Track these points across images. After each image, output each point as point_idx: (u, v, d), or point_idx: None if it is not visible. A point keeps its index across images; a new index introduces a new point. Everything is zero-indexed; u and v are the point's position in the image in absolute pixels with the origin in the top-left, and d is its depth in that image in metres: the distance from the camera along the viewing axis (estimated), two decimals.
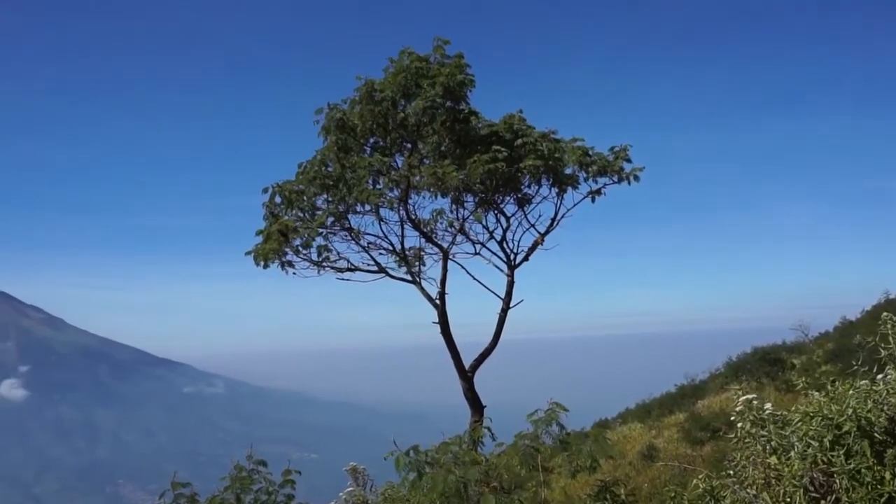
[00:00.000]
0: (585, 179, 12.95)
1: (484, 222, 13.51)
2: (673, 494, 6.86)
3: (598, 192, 13.01)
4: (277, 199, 12.78)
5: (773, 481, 5.70)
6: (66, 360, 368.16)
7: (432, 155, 12.98)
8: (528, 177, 12.73)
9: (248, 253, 12.62)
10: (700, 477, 6.37)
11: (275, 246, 12.32)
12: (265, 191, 12.78)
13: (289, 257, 12.68)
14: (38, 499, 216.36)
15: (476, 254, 13.82)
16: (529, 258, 13.64)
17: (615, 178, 12.81)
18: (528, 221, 13.54)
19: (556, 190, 13.15)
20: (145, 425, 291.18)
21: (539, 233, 13.49)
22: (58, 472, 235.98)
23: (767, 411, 6.09)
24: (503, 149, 12.00)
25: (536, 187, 13.21)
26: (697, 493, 6.40)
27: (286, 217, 12.75)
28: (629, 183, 12.78)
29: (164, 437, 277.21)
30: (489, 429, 9.42)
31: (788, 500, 5.56)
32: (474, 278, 13.63)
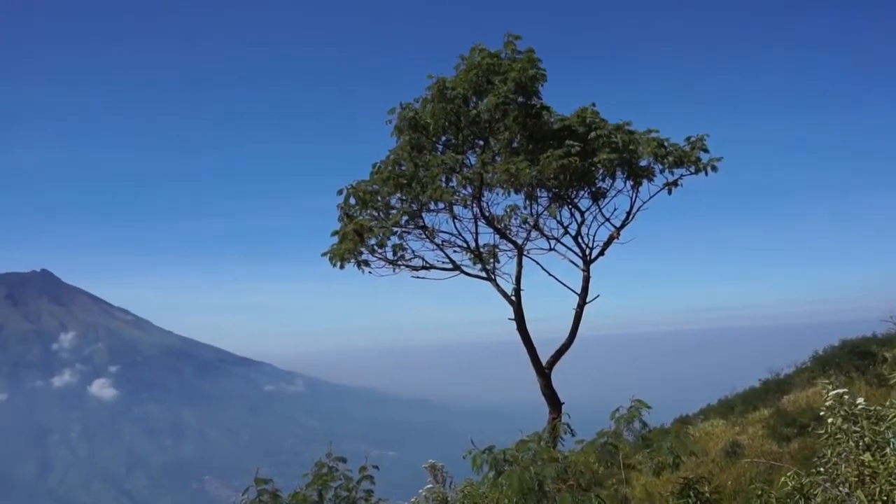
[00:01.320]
0: (661, 171, 12.69)
1: (558, 217, 13.36)
2: (760, 492, 6.70)
3: (675, 183, 12.72)
4: (352, 200, 12.90)
5: (868, 479, 5.52)
6: (152, 360, 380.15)
7: (505, 151, 12.92)
8: (602, 170, 12.56)
9: (324, 254, 12.78)
10: (788, 474, 6.19)
11: (350, 246, 12.43)
12: (340, 192, 12.92)
13: (364, 257, 12.79)
14: (129, 494, 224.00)
15: (551, 249, 13.70)
16: (605, 253, 13.45)
17: (692, 169, 12.52)
18: (603, 215, 13.36)
19: (632, 183, 12.94)
20: (228, 423, 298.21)
21: (614, 227, 13.30)
22: (147, 469, 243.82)
23: (860, 406, 5.88)
24: (576, 143, 11.86)
25: (611, 181, 13.02)
26: (786, 491, 6.22)
27: (361, 217, 12.86)
28: (706, 174, 12.48)
29: (246, 435, 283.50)
30: (568, 425, 9.33)
31: (885, 498, 5.37)
32: (549, 274, 13.52)
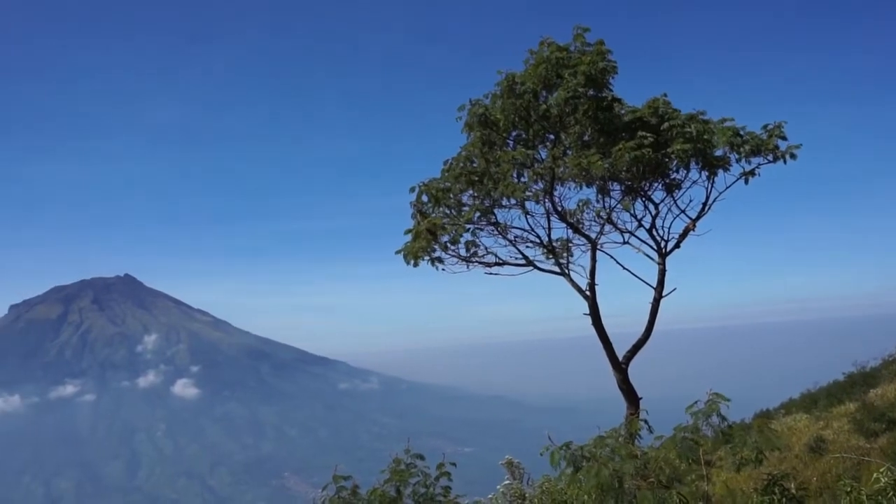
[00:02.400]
0: (737, 160, 12.38)
1: (632, 210, 13.18)
2: (849, 489, 6.50)
3: (752, 172, 12.40)
4: (424, 198, 12.96)
5: None
6: (231, 360, 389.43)
7: (576, 145, 12.80)
8: (676, 161, 12.30)
9: (398, 252, 12.89)
10: (881, 470, 6.00)
11: (423, 244, 12.51)
12: (412, 190, 13.00)
13: (437, 254, 12.84)
14: (213, 490, 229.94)
15: (625, 243, 13.52)
16: (681, 245, 13.20)
17: (770, 158, 12.19)
18: (678, 207, 13.10)
19: (707, 173, 12.65)
20: (306, 421, 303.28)
21: (690, 218, 13.04)
22: (229, 465, 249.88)
23: None
24: (649, 134, 11.69)
25: (685, 172, 12.75)
26: (878, 488, 6.02)
27: (433, 215, 12.92)
28: (784, 162, 12.14)
29: (323, 432, 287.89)
30: (646, 421, 9.22)
31: None
32: (624, 268, 13.34)
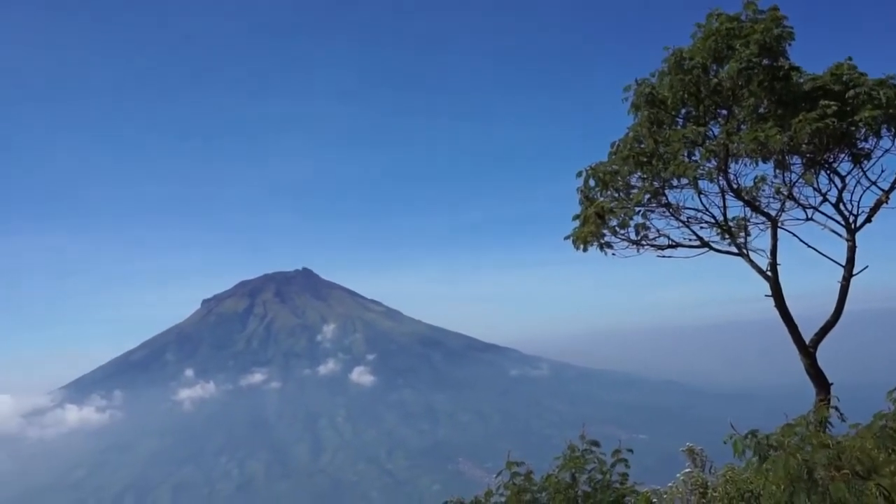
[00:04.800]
0: None
1: (815, 184, 12.40)
2: None
3: None
4: (591, 182, 12.79)
5: None
6: (405, 348, 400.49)
7: (750, 119, 12.19)
8: (864, 130, 11.46)
9: (566, 238, 12.80)
10: None
11: (592, 228, 12.36)
12: (579, 175, 12.85)
13: (607, 238, 12.66)
14: (391, 473, 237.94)
15: (808, 219, 12.75)
16: (872, 219, 12.31)
17: None
18: (868, 179, 12.18)
19: None
20: (478, 407, 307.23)
21: (882, 190, 12.12)
22: (406, 450, 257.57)
23: None
24: (832, 103, 10.96)
25: (875, 140, 11.85)
26: None
27: (601, 199, 12.73)
28: None
29: (496, 419, 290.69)
30: (837, 408, 8.71)
31: None
32: (809, 246, 12.60)
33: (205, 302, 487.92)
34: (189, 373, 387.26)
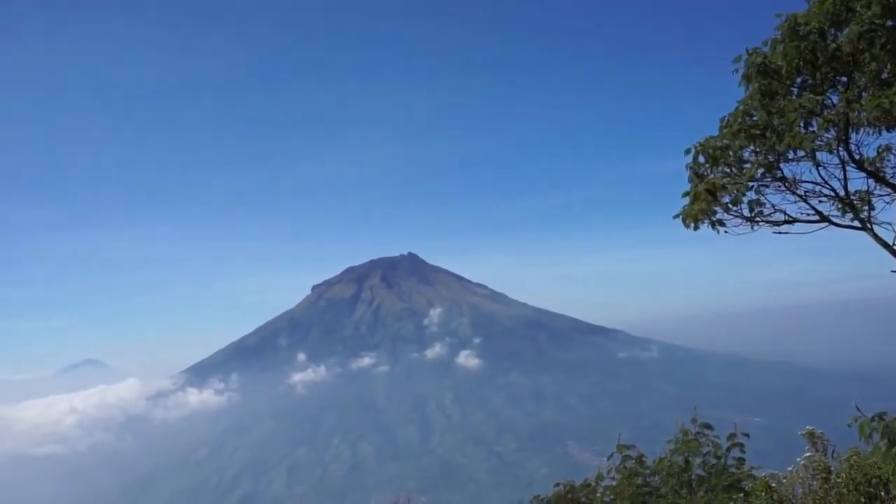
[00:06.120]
0: None
1: None
2: None
3: None
4: (701, 159, 12.36)
5: None
6: (510, 331, 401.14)
7: (872, 85, 11.49)
8: None
9: (676, 216, 12.42)
10: None
11: (703, 206, 11.94)
12: (687, 151, 12.43)
13: (718, 216, 12.22)
14: (500, 456, 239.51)
15: None
16: None
17: None
18: None
19: None
20: (585, 390, 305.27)
21: None
22: (514, 433, 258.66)
23: None
24: None
25: None
26: None
27: (712, 175, 12.30)
28: None
29: (604, 401, 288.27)
30: None
31: None
32: None
33: (314, 288, 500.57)
34: (301, 357, 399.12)
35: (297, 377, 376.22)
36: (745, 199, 12.08)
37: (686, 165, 12.60)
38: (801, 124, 11.67)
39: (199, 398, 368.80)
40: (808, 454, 11.47)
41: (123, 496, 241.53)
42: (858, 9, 10.80)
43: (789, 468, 11.44)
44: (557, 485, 13.31)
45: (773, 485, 10.81)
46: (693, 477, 11.68)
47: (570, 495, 12.90)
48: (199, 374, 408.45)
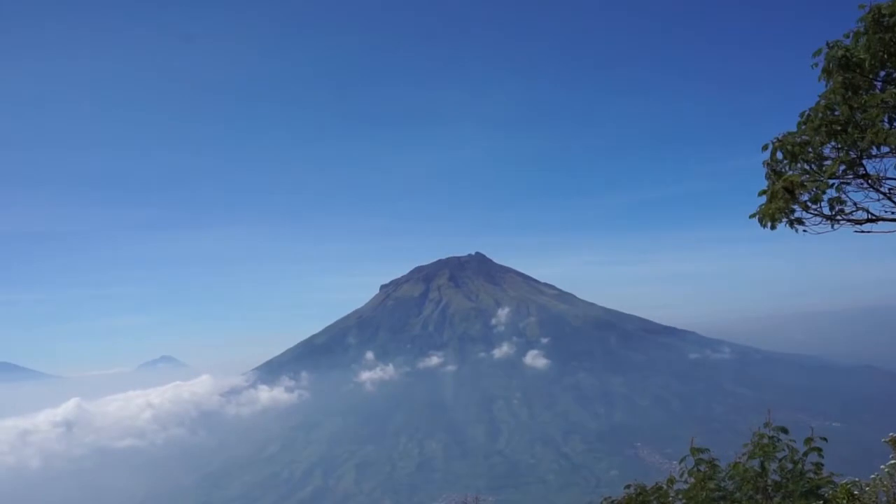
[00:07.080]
0: None
1: None
2: None
3: None
4: (779, 155, 12.03)
5: None
6: (579, 331, 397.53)
7: None
8: None
9: (752, 215, 12.12)
10: None
11: (781, 204, 11.61)
12: (765, 148, 12.11)
13: (797, 214, 11.87)
14: (568, 457, 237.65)
15: None
16: None
17: None
18: None
19: None
20: (656, 391, 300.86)
21: None
22: (582, 434, 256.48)
23: None
24: None
25: None
26: None
27: (790, 172, 11.95)
28: None
29: (675, 403, 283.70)
30: None
31: None
32: None
33: (383, 287, 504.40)
34: (370, 356, 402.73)
35: (366, 375, 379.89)
36: (825, 197, 11.71)
37: (763, 162, 12.28)
38: (885, 119, 11.28)
39: (269, 395, 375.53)
40: (892, 461, 11.07)
41: (199, 489, 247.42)
42: None
43: (872, 475, 11.07)
44: (628, 487, 13.13)
45: (856, 492, 10.48)
46: (769, 482, 11.40)
47: (640, 498, 12.73)
48: (270, 371, 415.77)
